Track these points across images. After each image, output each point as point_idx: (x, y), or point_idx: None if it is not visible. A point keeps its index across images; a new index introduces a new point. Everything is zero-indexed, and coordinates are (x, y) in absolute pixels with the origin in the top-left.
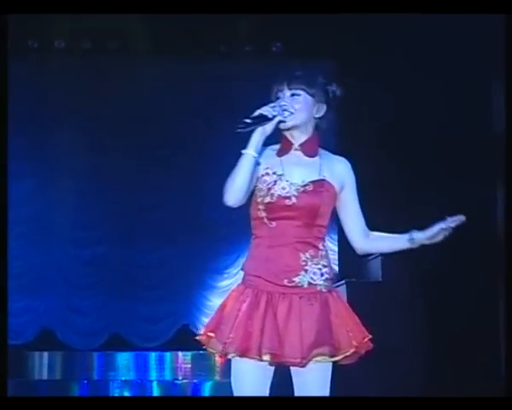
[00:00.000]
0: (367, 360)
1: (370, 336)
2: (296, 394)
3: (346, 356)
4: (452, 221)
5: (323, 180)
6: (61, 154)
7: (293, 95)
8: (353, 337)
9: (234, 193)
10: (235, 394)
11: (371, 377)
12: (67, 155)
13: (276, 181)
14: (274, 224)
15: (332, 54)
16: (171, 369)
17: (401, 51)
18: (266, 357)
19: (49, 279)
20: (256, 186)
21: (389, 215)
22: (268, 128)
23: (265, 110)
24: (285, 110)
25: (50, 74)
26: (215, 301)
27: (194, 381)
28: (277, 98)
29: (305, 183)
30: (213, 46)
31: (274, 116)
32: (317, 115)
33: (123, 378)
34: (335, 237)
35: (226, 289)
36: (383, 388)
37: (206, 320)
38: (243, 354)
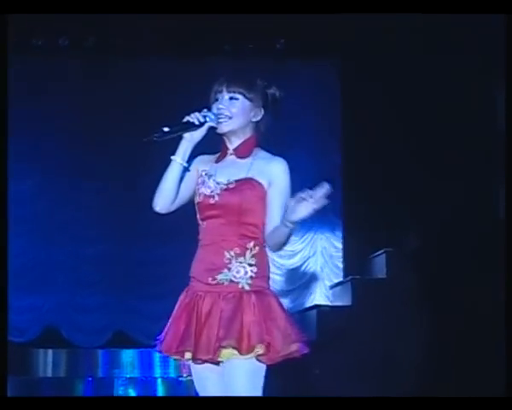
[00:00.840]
0: (367, 358)
1: (299, 344)
2: (226, 390)
3: (260, 355)
4: (312, 192)
5: (249, 178)
6: (62, 152)
7: (231, 98)
8: (273, 337)
9: (160, 199)
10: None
11: (371, 376)
12: (69, 153)
13: (204, 181)
14: (204, 224)
15: (335, 51)
16: (176, 366)
17: (403, 50)
18: (188, 355)
19: (53, 277)
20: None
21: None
22: (197, 135)
23: (193, 117)
24: (221, 114)
25: (54, 72)
26: None
27: None
28: (216, 100)
29: (229, 181)
30: (218, 45)
31: (204, 122)
32: (254, 119)
33: (127, 376)
34: (340, 234)
35: None
36: (383, 387)
37: None
38: (168, 353)
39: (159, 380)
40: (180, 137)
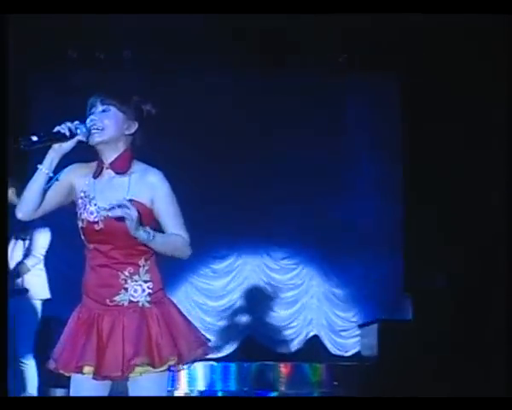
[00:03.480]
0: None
1: (204, 347)
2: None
3: (170, 365)
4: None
5: (131, 201)
6: None
7: (103, 111)
8: (180, 345)
9: (22, 206)
10: None
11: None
12: None
13: (85, 205)
14: (91, 246)
15: (396, 66)
16: (237, 380)
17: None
18: (87, 370)
19: None
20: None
21: None
22: (66, 146)
23: (64, 128)
24: (93, 126)
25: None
26: (280, 313)
27: (259, 391)
28: (90, 113)
29: (111, 206)
30: (280, 59)
31: (76, 134)
32: (128, 132)
33: (188, 390)
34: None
35: (290, 300)
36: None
37: (270, 331)
38: (65, 368)
39: (219, 393)
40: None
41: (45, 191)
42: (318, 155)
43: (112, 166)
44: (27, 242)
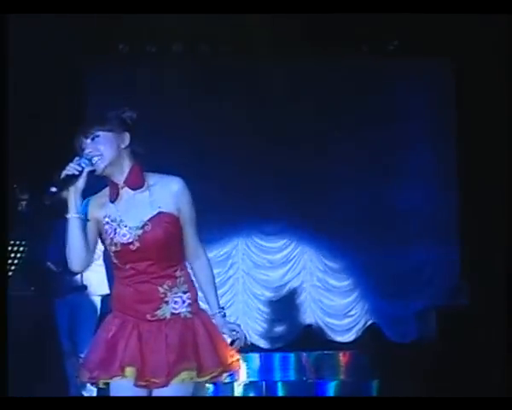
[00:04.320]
0: None
1: (238, 357)
2: None
3: (214, 376)
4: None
5: (160, 213)
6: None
7: (92, 139)
8: (221, 357)
9: (75, 259)
10: None
11: None
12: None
13: (115, 229)
14: (127, 266)
15: (448, 53)
16: (296, 369)
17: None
18: (129, 371)
19: None
20: (102, 235)
21: None
22: (80, 183)
23: (70, 169)
24: (92, 157)
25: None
26: (337, 301)
27: (319, 380)
28: (82, 150)
29: (143, 223)
30: (332, 45)
31: (82, 169)
32: (123, 145)
33: (248, 380)
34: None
35: (346, 289)
36: None
37: (328, 320)
38: (105, 373)
39: (279, 384)
40: None
41: (85, 235)
42: (373, 142)
43: (127, 184)
44: None
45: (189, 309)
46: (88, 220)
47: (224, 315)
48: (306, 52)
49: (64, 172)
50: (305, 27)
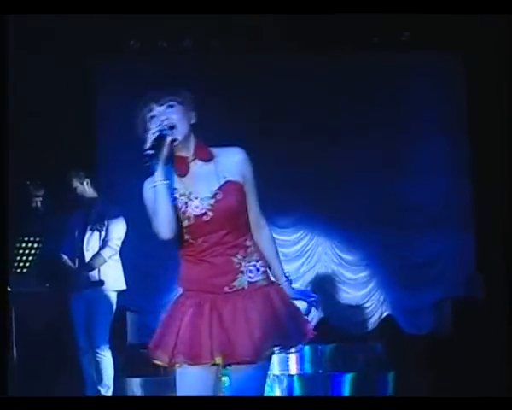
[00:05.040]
0: None
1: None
2: (233, 391)
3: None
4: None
5: (228, 182)
6: None
7: (167, 107)
8: (302, 328)
9: (166, 226)
10: None
11: None
12: None
13: (186, 203)
14: (200, 240)
15: (461, 46)
16: (311, 362)
17: None
18: (219, 359)
19: None
20: None
21: None
22: (164, 152)
23: (157, 132)
24: (168, 126)
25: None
26: (353, 294)
27: (335, 373)
28: (152, 118)
29: (213, 192)
30: (345, 39)
31: (165, 136)
32: (192, 121)
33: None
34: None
35: (361, 281)
36: None
37: (344, 315)
38: (194, 361)
39: (295, 377)
40: None
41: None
42: (385, 135)
43: (197, 156)
44: (103, 233)
45: (264, 276)
46: (173, 187)
47: (291, 283)
48: (317, 46)
49: (152, 136)
50: (315, 21)
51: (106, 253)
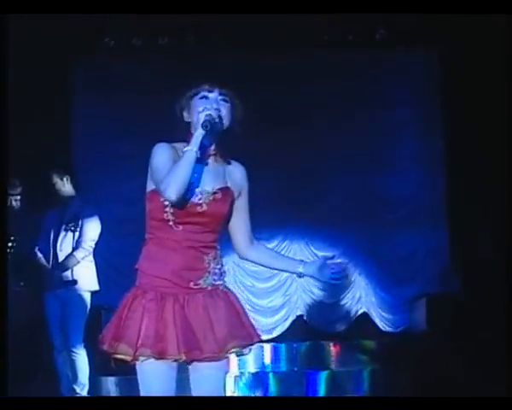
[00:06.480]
0: None
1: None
2: (192, 389)
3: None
4: (335, 262)
5: (228, 188)
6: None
7: (223, 100)
8: (254, 330)
9: (178, 188)
10: (142, 395)
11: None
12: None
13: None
14: (180, 227)
15: (434, 41)
16: (287, 360)
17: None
18: (184, 356)
19: None
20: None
21: None
22: (208, 129)
23: (210, 110)
24: (217, 114)
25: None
26: (328, 291)
27: (310, 371)
28: (204, 97)
29: (214, 190)
30: (319, 37)
31: (212, 119)
32: (227, 124)
33: (239, 371)
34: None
35: None
36: None
37: (320, 313)
38: (161, 355)
39: (270, 374)
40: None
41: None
42: (359, 131)
43: (219, 153)
44: (77, 233)
45: (225, 283)
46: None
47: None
48: (293, 42)
49: (207, 112)
50: (289, 18)
51: (79, 254)
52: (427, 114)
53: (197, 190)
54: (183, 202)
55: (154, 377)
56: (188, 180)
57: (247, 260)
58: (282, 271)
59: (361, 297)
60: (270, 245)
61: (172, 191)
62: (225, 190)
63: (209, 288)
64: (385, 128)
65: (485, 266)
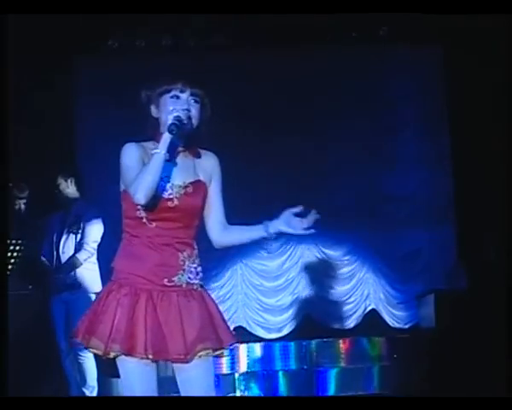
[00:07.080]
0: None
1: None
2: (180, 390)
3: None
4: (301, 210)
5: (199, 181)
6: None
7: (194, 101)
8: (229, 331)
9: (146, 192)
10: (125, 393)
11: None
12: None
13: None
14: (154, 224)
15: (438, 40)
16: (296, 358)
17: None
18: (151, 355)
19: None
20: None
21: None
22: (178, 131)
23: (179, 111)
24: (187, 115)
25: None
26: (337, 289)
27: (320, 368)
28: (175, 96)
29: (185, 184)
30: (322, 34)
31: (181, 120)
32: (197, 123)
33: (249, 370)
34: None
35: (347, 275)
36: None
37: (329, 311)
38: (129, 352)
39: (280, 373)
40: None
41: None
42: (364, 129)
43: (189, 150)
44: (79, 235)
45: (200, 282)
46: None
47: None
48: (296, 40)
49: (176, 114)
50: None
51: (81, 256)
52: (432, 113)
53: (167, 186)
54: (153, 204)
55: (133, 374)
56: (156, 184)
57: (221, 246)
58: (255, 240)
59: (369, 294)
60: (277, 244)
61: (141, 196)
62: (197, 184)
63: (184, 286)
64: (390, 127)
65: (491, 265)
